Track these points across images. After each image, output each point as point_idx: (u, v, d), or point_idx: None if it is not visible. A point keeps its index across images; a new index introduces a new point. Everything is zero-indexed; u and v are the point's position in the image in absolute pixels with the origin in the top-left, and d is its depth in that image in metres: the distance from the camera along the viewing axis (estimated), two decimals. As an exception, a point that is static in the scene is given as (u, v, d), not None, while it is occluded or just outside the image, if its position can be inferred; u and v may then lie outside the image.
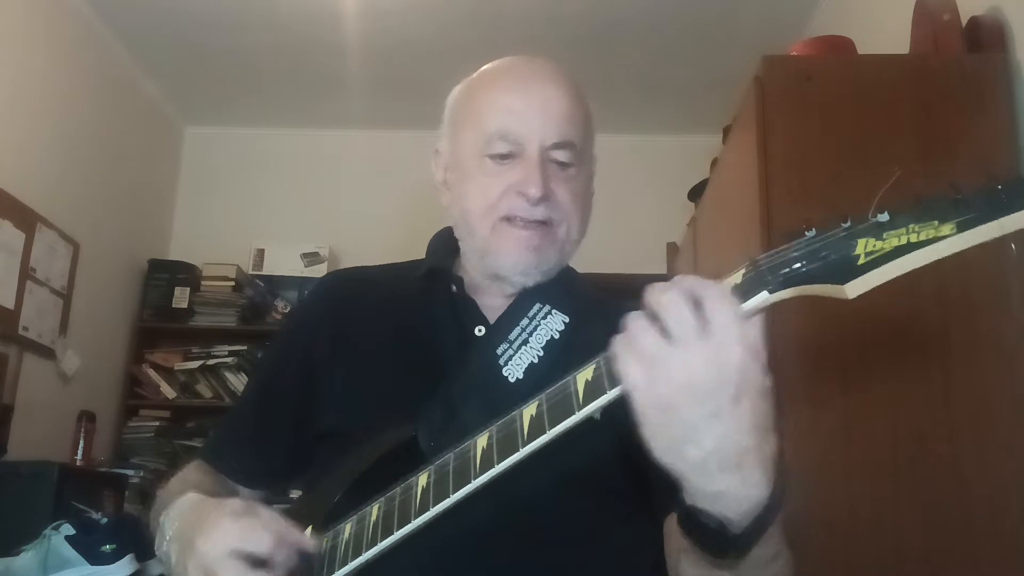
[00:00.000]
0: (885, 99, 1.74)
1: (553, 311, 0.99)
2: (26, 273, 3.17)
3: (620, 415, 0.89)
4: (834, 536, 1.54)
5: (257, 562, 0.79)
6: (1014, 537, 1.51)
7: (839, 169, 1.65)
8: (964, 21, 1.88)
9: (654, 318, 0.64)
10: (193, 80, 4.14)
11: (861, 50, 2.07)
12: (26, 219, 3.17)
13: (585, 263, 1.08)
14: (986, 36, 1.84)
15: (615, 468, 0.91)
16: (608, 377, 0.68)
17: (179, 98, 4.32)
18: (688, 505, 0.69)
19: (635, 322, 0.64)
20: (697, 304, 0.63)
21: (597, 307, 1.00)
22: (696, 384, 0.62)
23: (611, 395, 0.67)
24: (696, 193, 2.84)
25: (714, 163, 2.56)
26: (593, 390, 0.69)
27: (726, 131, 2.30)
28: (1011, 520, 1.52)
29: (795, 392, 1.60)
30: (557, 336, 0.96)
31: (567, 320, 0.98)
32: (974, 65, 1.78)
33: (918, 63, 1.84)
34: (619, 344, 0.65)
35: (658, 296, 0.64)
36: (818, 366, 1.62)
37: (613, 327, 0.67)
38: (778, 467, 0.69)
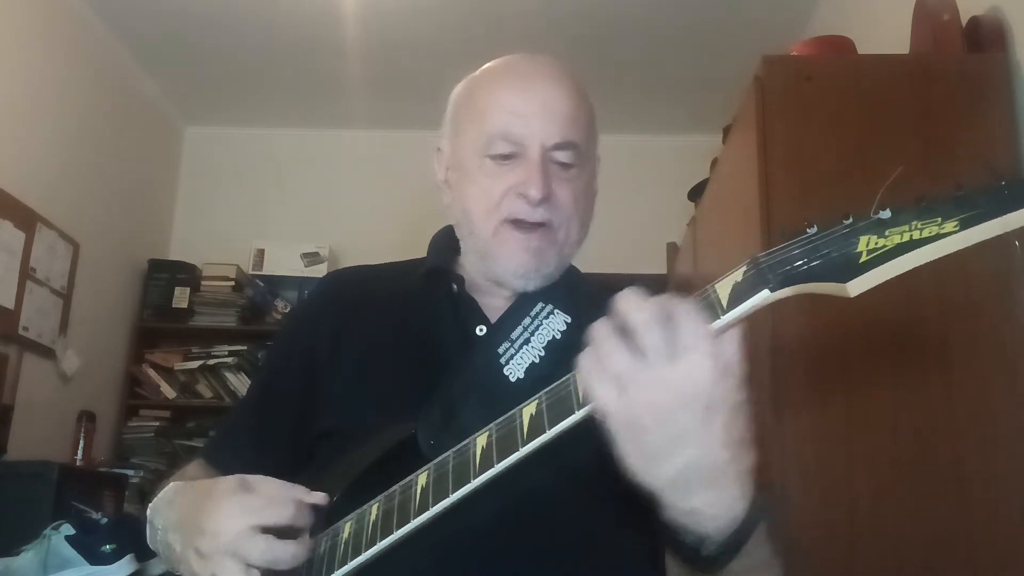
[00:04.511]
0: (885, 99, 1.74)
1: (556, 311, 0.98)
2: (26, 273, 3.17)
3: None
4: (834, 536, 1.54)
5: (280, 532, 0.79)
6: (1014, 538, 1.51)
7: (839, 169, 1.65)
8: (964, 21, 1.88)
9: (623, 332, 0.63)
10: (193, 80, 4.14)
11: (861, 50, 2.07)
12: (26, 219, 3.17)
13: (585, 263, 1.08)
14: (986, 36, 1.84)
15: (619, 468, 0.91)
16: None
17: (179, 98, 4.32)
18: (666, 520, 0.69)
19: (605, 341, 0.64)
20: (669, 323, 0.63)
21: (600, 308, 0.99)
22: (665, 406, 0.62)
23: None
24: (696, 193, 2.84)
25: (714, 163, 2.56)
26: None
27: (726, 131, 2.29)
28: (1011, 521, 1.52)
29: (796, 393, 1.60)
30: (559, 336, 0.96)
31: (569, 320, 0.97)
32: (974, 65, 1.78)
33: (918, 63, 1.84)
34: (588, 361, 0.65)
35: (632, 312, 0.64)
36: (819, 367, 1.61)
37: None
38: (759, 481, 0.70)
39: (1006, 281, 1.60)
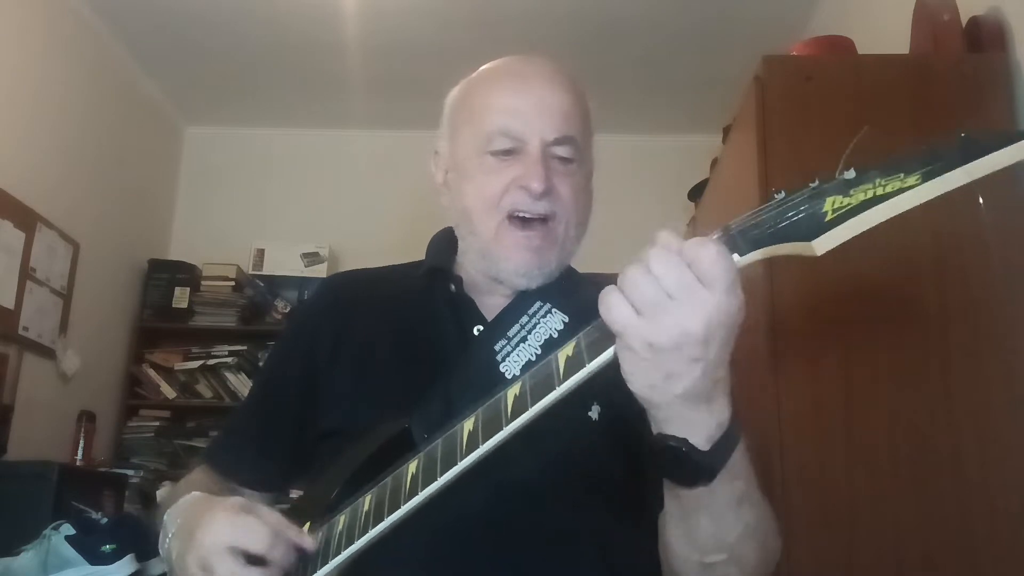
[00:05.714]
0: (885, 99, 1.74)
1: (553, 310, 0.99)
2: (26, 273, 3.17)
3: (617, 416, 0.90)
4: (834, 535, 1.54)
5: (253, 559, 0.80)
6: (1014, 535, 1.51)
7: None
8: (964, 21, 1.88)
9: (650, 271, 0.65)
10: (193, 80, 4.14)
11: (861, 50, 2.07)
12: (26, 219, 3.17)
13: (585, 263, 1.08)
14: (986, 36, 1.84)
15: (612, 466, 0.92)
16: (587, 351, 0.69)
17: (179, 98, 4.32)
18: (656, 434, 0.71)
19: (635, 269, 0.65)
20: (691, 260, 0.64)
21: (599, 308, 1.00)
22: (691, 334, 0.64)
23: (590, 368, 0.69)
24: (696, 193, 2.84)
25: (714, 163, 2.56)
26: (573, 365, 0.70)
27: (726, 131, 2.29)
28: (1011, 517, 1.52)
29: (794, 389, 1.60)
30: (556, 335, 0.96)
31: (567, 320, 0.98)
32: (974, 65, 1.78)
33: (918, 63, 1.84)
34: (612, 289, 0.67)
35: (655, 253, 0.66)
36: (818, 363, 1.61)
37: None
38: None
39: (1006, 276, 1.60)
